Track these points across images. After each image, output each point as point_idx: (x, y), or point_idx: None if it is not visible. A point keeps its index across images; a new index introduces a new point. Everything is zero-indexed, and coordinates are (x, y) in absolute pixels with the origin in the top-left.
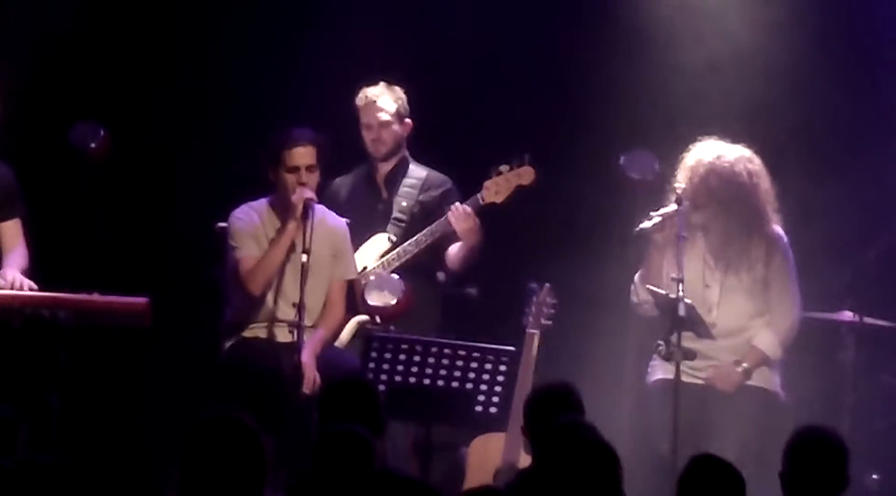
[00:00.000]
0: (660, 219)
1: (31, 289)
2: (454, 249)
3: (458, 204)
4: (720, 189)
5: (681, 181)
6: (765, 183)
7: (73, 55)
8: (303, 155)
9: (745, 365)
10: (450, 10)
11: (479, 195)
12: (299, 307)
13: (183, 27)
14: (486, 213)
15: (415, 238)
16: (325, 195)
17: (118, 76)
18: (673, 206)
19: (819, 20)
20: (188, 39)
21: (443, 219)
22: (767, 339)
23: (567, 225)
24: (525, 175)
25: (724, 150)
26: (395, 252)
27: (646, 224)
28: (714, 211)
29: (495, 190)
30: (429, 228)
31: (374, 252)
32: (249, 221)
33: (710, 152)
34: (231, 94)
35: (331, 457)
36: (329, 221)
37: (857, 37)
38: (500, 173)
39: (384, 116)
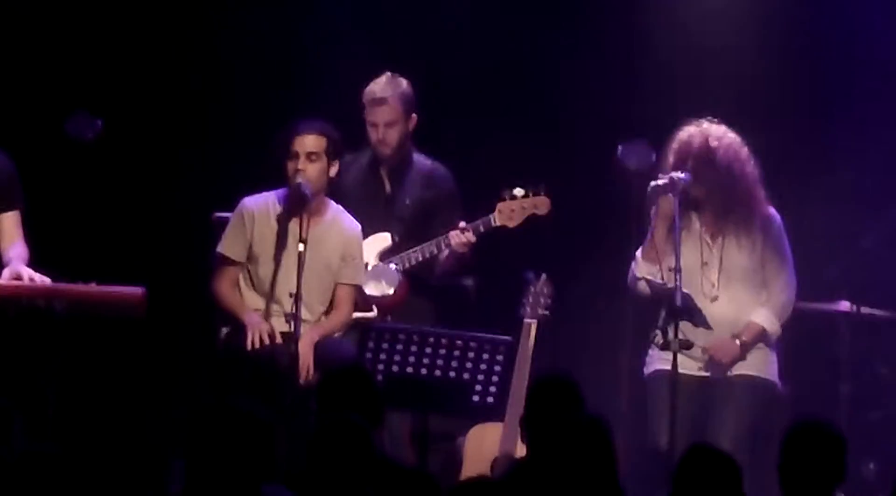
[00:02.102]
0: (668, 179)
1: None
2: (444, 256)
3: (458, 231)
4: (716, 155)
5: (673, 157)
6: (751, 160)
7: (70, 45)
8: (303, 142)
9: (742, 339)
10: (451, 4)
11: (491, 216)
12: (296, 298)
13: (181, 16)
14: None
15: (420, 248)
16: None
17: (115, 66)
18: (679, 174)
19: (816, 16)
20: (186, 29)
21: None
22: (765, 315)
23: (564, 215)
24: (541, 205)
25: (713, 125)
26: (398, 257)
27: (659, 181)
28: (710, 181)
29: (509, 215)
30: (436, 240)
31: (375, 249)
32: (251, 213)
33: (702, 128)
34: (229, 84)
35: (329, 445)
36: (345, 223)
37: (853, 31)
38: (514, 197)
39: (391, 117)
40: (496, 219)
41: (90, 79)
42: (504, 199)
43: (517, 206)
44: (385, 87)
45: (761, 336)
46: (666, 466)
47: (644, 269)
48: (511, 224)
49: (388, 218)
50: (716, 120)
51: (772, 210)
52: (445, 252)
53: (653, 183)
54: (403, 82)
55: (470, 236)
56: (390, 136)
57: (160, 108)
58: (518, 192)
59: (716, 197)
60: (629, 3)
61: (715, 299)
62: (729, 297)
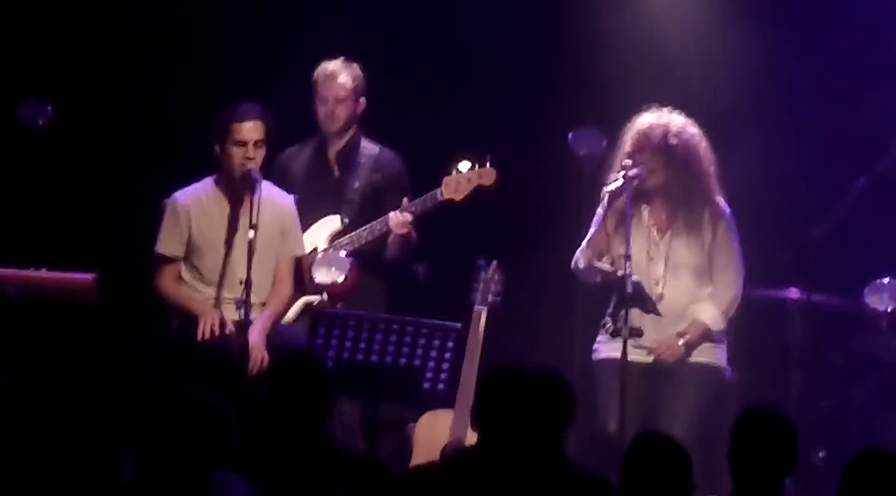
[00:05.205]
0: (622, 180)
1: None
2: (390, 239)
3: (397, 212)
4: (675, 150)
5: (631, 147)
6: (709, 155)
7: (21, 31)
8: (251, 130)
9: (687, 337)
10: None
11: (437, 190)
12: (246, 284)
13: (132, 2)
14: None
15: (370, 225)
16: (273, 168)
17: (67, 52)
18: (634, 170)
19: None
20: (138, 14)
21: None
22: (709, 312)
23: (515, 202)
24: (486, 176)
25: (674, 117)
26: (348, 236)
27: (613, 185)
28: (666, 174)
29: (455, 188)
30: (385, 217)
31: (325, 232)
32: (185, 208)
33: (661, 117)
34: (180, 70)
35: (261, 435)
36: (277, 198)
37: (804, 18)
38: (459, 171)
39: (340, 92)
40: (443, 192)
41: (40, 64)
42: (450, 173)
43: (463, 179)
44: (339, 65)
45: (706, 334)
46: (615, 452)
47: (590, 260)
48: (458, 197)
49: (338, 202)
50: (677, 110)
51: (722, 203)
52: (390, 238)
53: (607, 187)
54: (356, 66)
55: (407, 216)
56: (339, 112)
57: (112, 93)
58: (464, 165)
59: (669, 190)
60: None
61: (661, 296)
62: (675, 291)
